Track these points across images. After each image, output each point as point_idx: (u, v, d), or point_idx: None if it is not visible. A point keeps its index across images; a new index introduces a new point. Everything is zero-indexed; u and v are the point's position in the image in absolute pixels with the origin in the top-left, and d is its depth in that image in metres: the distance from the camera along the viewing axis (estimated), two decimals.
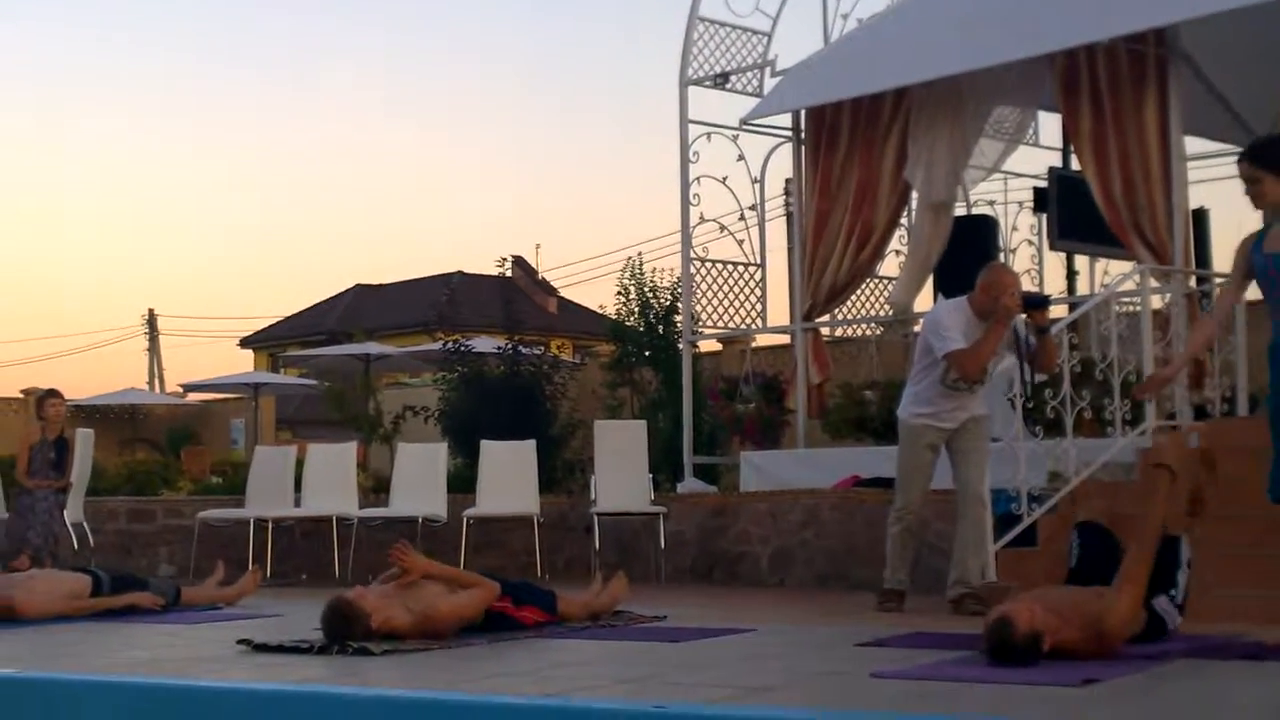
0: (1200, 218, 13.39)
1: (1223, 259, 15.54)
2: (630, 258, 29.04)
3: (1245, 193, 7.35)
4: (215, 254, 74.78)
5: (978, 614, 8.09)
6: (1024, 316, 9.08)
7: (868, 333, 14.82)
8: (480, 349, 17.87)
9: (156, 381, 44.90)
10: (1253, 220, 7.97)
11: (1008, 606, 6.46)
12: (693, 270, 14.19)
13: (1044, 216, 14.26)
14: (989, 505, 9.43)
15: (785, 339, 15.13)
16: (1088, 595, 6.78)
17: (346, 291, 49.24)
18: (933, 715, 5.20)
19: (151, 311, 46.31)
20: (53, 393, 13.28)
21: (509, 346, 17.16)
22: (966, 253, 13.15)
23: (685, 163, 14.15)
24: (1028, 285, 14.34)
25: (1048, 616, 6.42)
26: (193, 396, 32.22)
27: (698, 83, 14.28)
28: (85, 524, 13.17)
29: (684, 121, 14.16)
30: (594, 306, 33.22)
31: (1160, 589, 6.98)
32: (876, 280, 14.74)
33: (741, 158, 14.27)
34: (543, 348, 18.55)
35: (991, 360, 9.25)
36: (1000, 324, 9.04)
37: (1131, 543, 6.86)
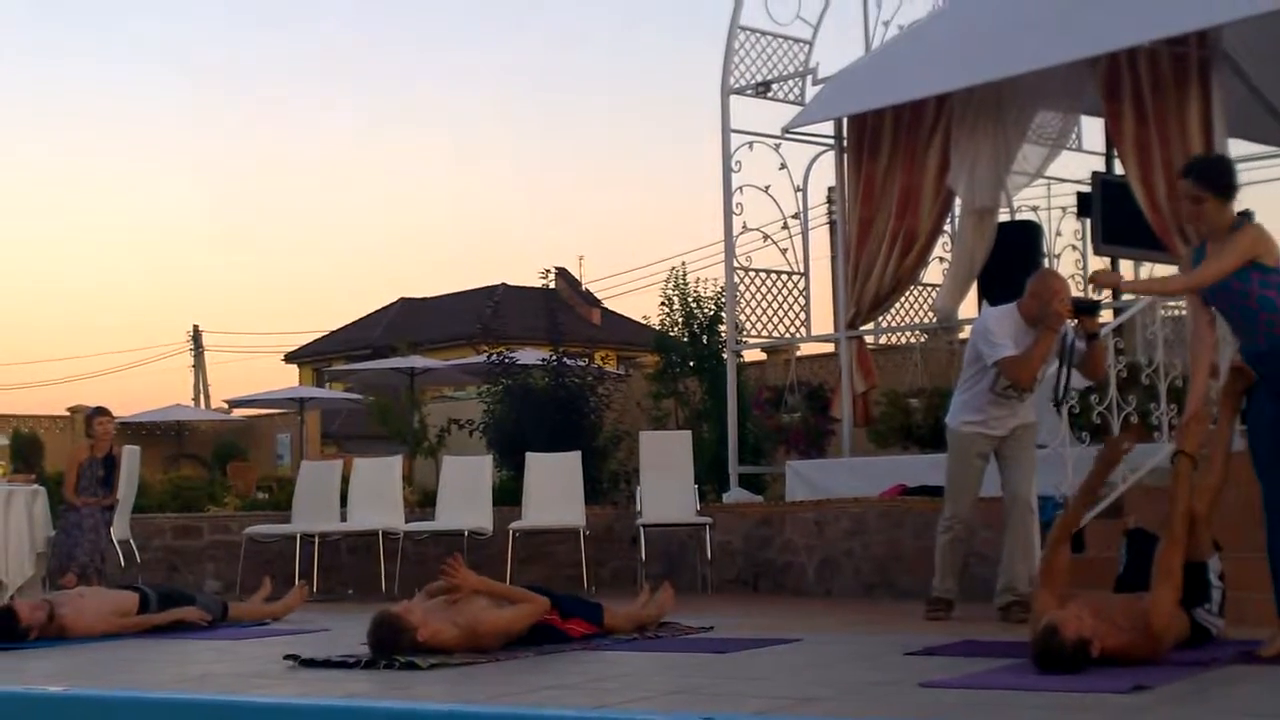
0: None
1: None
2: (674, 268, 28.95)
3: (1185, 211, 7.29)
4: (259, 269, 75.17)
5: (1025, 621, 8.05)
6: (1073, 322, 9.01)
7: (912, 340, 14.77)
8: (524, 361, 17.88)
9: (202, 398, 45.15)
10: None
11: (1055, 614, 6.44)
12: (736, 279, 14.18)
13: (1088, 221, 14.18)
14: (1037, 512, 9.39)
15: (830, 347, 15.10)
16: (1131, 599, 6.78)
17: (391, 305, 49.40)
18: None
19: (196, 328, 46.62)
20: (101, 410, 13.34)
21: (553, 358, 17.16)
22: (1010, 258, 13.09)
23: (728, 172, 14.14)
24: (1074, 291, 14.28)
25: (1095, 623, 6.41)
26: (238, 412, 32.40)
27: (739, 92, 14.26)
28: (132, 541, 13.22)
29: (726, 131, 14.15)
30: (638, 317, 33.24)
31: (1196, 603, 6.96)
32: (921, 287, 14.68)
33: (784, 166, 14.27)
34: (587, 359, 18.51)
35: (1042, 367, 9.20)
36: (1051, 330, 8.98)
37: (1162, 536, 6.84)
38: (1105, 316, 11.15)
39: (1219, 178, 7.15)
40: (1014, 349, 9.08)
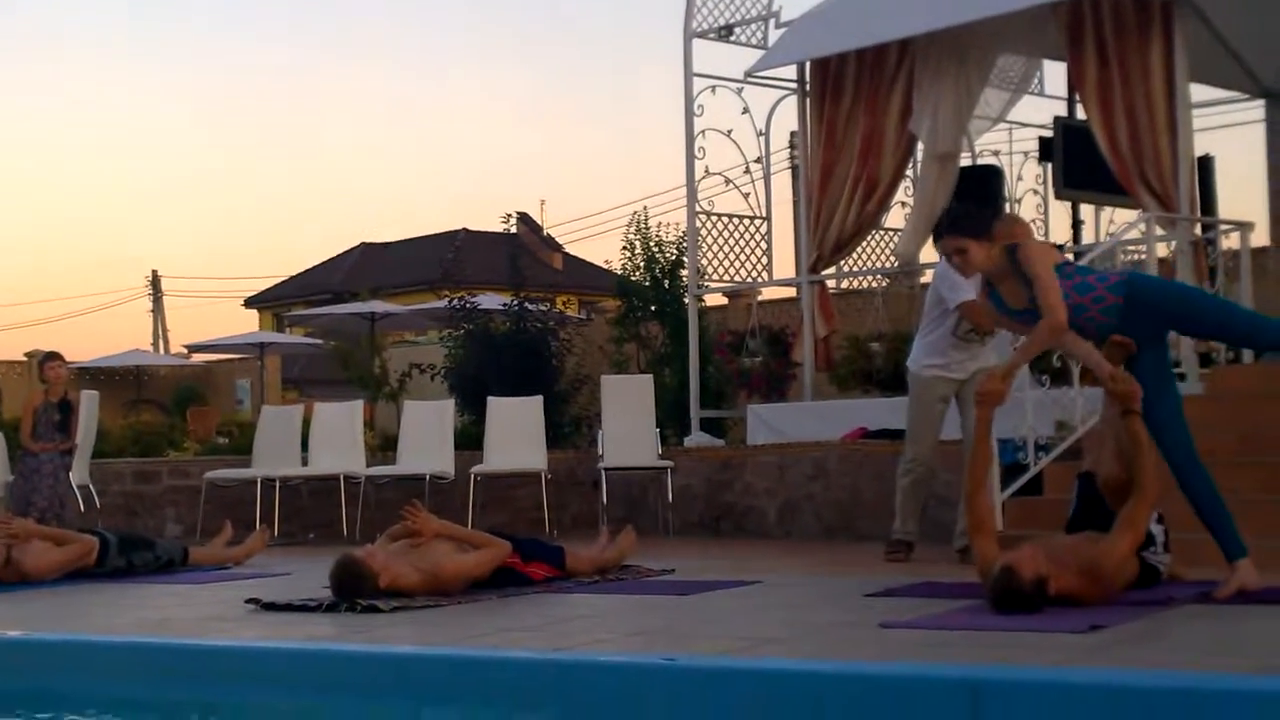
0: (1205, 165, 13.33)
1: (1228, 205, 15.52)
2: (635, 212, 28.90)
3: (952, 264, 7.40)
4: (219, 214, 74.77)
5: None
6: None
7: (874, 285, 14.78)
8: (486, 306, 17.82)
9: (161, 343, 44.94)
10: (1258, 167, 8.02)
11: (1011, 555, 6.49)
12: (698, 224, 14.15)
13: (1049, 166, 14.22)
14: (996, 455, 9.43)
15: (791, 292, 15.09)
16: (1082, 541, 6.82)
17: (351, 250, 49.22)
18: (942, 664, 5.20)
19: (155, 273, 46.38)
20: (53, 355, 13.23)
21: (515, 303, 17.11)
22: (972, 203, 13.08)
23: (690, 116, 14.09)
24: (1035, 235, 14.30)
25: (1050, 564, 6.45)
26: (198, 357, 32.23)
27: (702, 35, 14.19)
28: (91, 486, 13.17)
29: (688, 75, 14.10)
30: (599, 262, 33.24)
31: (1142, 547, 7.01)
32: (882, 232, 14.70)
33: (746, 111, 14.24)
34: (549, 304, 18.47)
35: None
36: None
37: (1134, 491, 6.85)
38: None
39: (972, 224, 7.26)
40: (975, 293, 9.09)
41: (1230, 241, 12.02)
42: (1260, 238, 12.67)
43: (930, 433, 9.54)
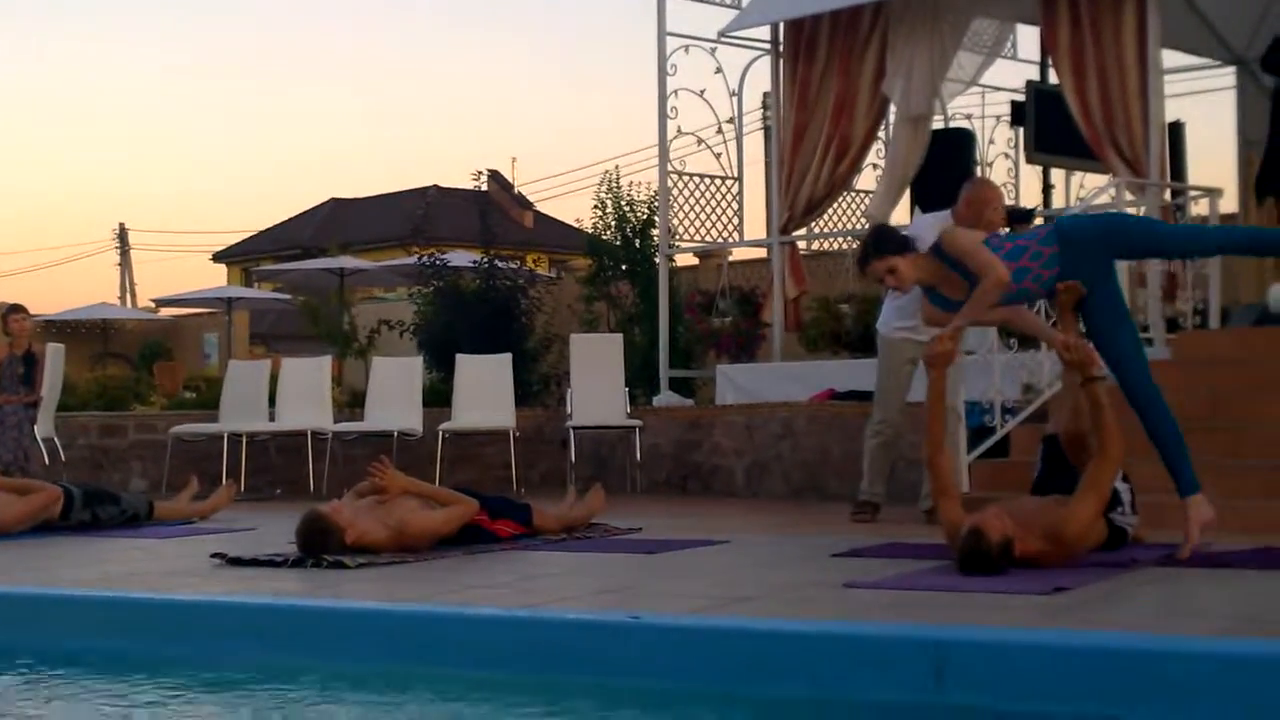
0: (1176, 131, 13.36)
1: (1198, 172, 15.56)
2: (607, 171, 28.88)
3: (886, 285, 7.58)
4: (187, 167, 74.41)
5: None
6: (1006, 231, 9.03)
7: (844, 246, 14.79)
8: (456, 263, 17.78)
9: (128, 296, 44.75)
10: (1228, 133, 8.01)
11: (978, 517, 6.50)
12: (670, 184, 14.14)
13: (1021, 130, 14.22)
14: (963, 418, 9.47)
15: (762, 253, 15.10)
16: (1048, 504, 6.84)
17: (321, 205, 48.99)
18: (907, 624, 5.22)
19: (122, 225, 46.11)
20: (16, 308, 13.13)
21: (485, 261, 17.08)
22: (943, 166, 13.12)
23: (663, 75, 14.06)
24: (1006, 199, 14.33)
25: (1016, 526, 6.47)
26: (165, 311, 32.11)
27: None
28: (56, 439, 13.12)
29: (661, 34, 14.05)
30: (570, 221, 33.15)
31: (1109, 508, 7.04)
32: (854, 194, 14.70)
33: (719, 71, 14.21)
34: (519, 262, 18.44)
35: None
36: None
37: (1096, 453, 6.86)
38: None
39: (892, 242, 7.47)
40: None
41: (1199, 208, 12.06)
42: (1229, 204, 12.71)
43: (898, 395, 9.56)
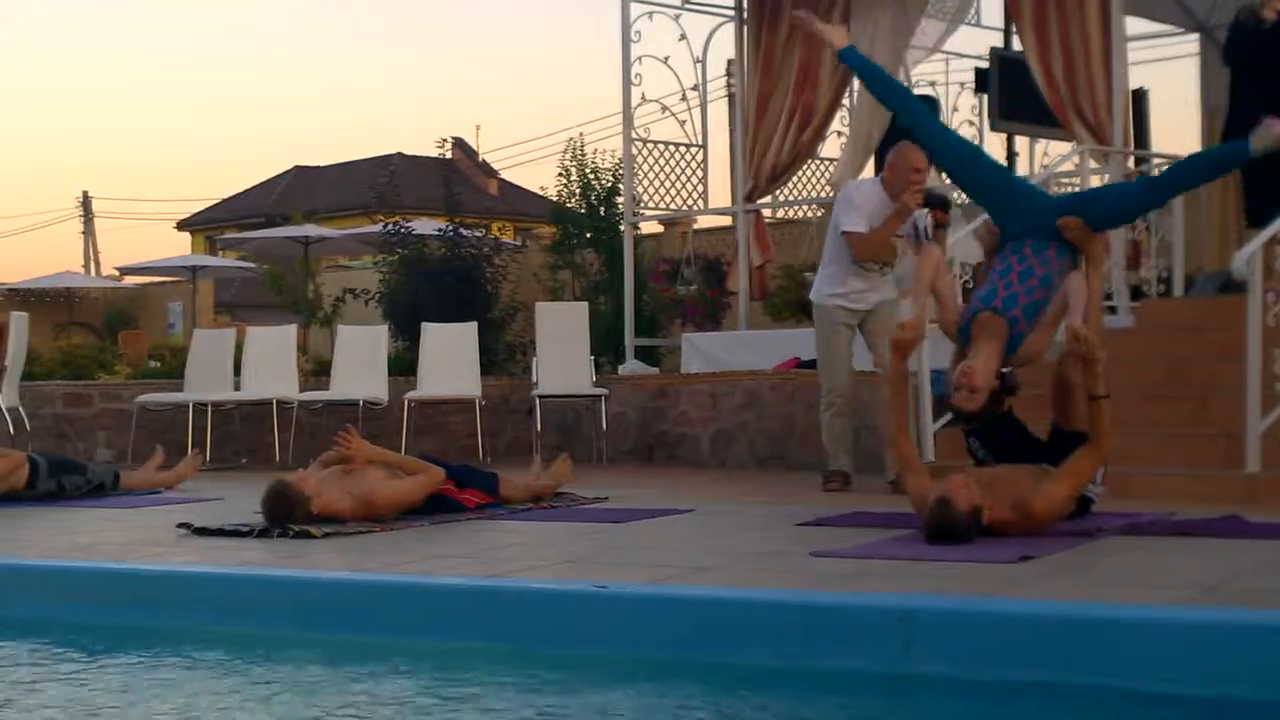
0: (1140, 98, 13.39)
1: (1161, 139, 15.60)
2: (571, 139, 28.89)
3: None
4: (151, 135, 73.98)
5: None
6: (926, 211, 9.13)
7: (809, 214, 14.80)
8: (420, 231, 17.73)
9: (92, 264, 44.55)
10: (1192, 100, 8.00)
11: (945, 486, 6.51)
12: (634, 151, 14.11)
13: (985, 97, 14.23)
14: (928, 387, 9.48)
15: (727, 221, 15.10)
16: (1020, 473, 6.82)
17: (285, 173, 48.80)
18: (873, 593, 5.24)
19: (86, 194, 45.88)
20: None
21: (449, 229, 17.03)
22: (908, 134, 13.10)
23: (627, 42, 14.01)
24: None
25: (983, 494, 6.49)
26: (129, 280, 31.97)
27: None
28: (21, 409, 13.04)
29: (625, 0, 14.01)
30: (535, 188, 33.07)
31: None
32: (818, 161, 14.69)
33: (684, 37, 14.16)
34: (484, 230, 18.38)
35: (891, 244, 9.37)
36: (898, 215, 9.17)
37: (1087, 443, 6.85)
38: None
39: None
40: (865, 223, 9.26)
41: None
42: None
43: (841, 363, 9.60)
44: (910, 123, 8.40)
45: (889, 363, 7.39)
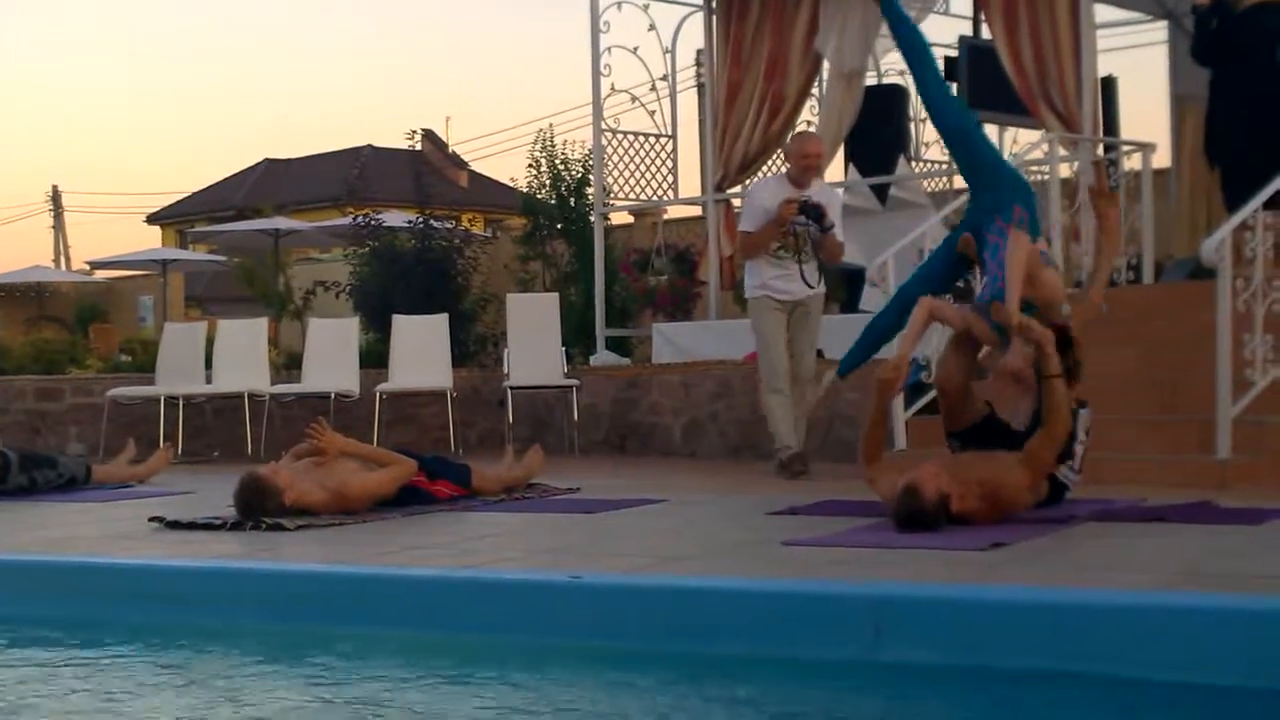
0: (1109, 86, 13.41)
1: (1130, 127, 15.63)
2: (541, 130, 28.80)
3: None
4: (120, 128, 73.69)
5: (803, 474, 9.28)
6: (803, 217, 9.52)
7: None
8: (391, 223, 17.70)
9: (63, 259, 44.37)
10: (1160, 88, 7.96)
11: (914, 474, 6.52)
12: (604, 142, 14.11)
13: (954, 86, 14.23)
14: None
15: (697, 210, 15.09)
16: (989, 461, 6.84)
17: (255, 166, 48.61)
18: (844, 581, 5.26)
19: (56, 188, 45.71)
20: None
21: (420, 220, 17.00)
22: (877, 123, 13.17)
23: (596, 32, 14.01)
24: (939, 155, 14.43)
25: (952, 483, 6.50)
26: (100, 274, 31.86)
27: None
28: None
29: None
30: (505, 180, 33.02)
31: (1060, 459, 7.07)
32: None
33: (653, 27, 14.15)
34: (454, 221, 18.36)
35: (770, 246, 9.68)
36: (776, 223, 9.56)
37: (1042, 430, 6.87)
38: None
39: None
40: (757, 219, 9.67)
41: (1132, 162, 12.13)
42: (1162, 159, 12.77)
43: (776, 351, 9.77)
44: (917, 79, 8.42)
45: (870, 402, 7.37)
